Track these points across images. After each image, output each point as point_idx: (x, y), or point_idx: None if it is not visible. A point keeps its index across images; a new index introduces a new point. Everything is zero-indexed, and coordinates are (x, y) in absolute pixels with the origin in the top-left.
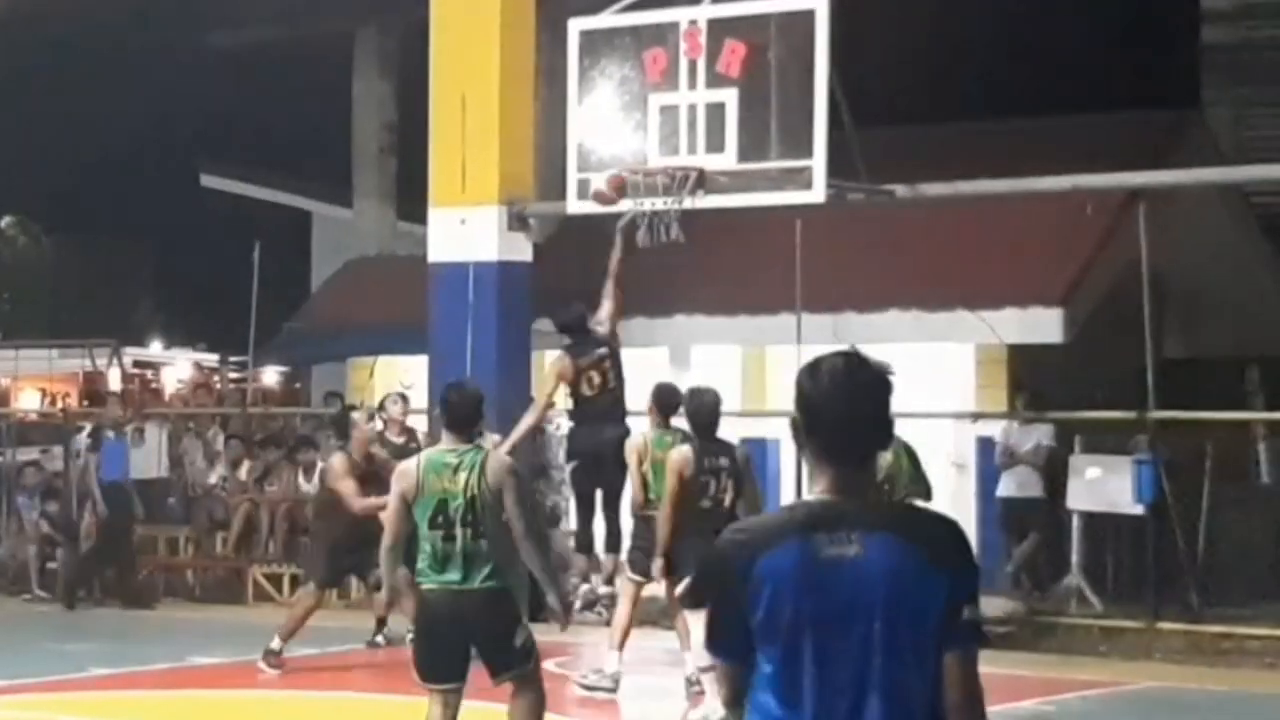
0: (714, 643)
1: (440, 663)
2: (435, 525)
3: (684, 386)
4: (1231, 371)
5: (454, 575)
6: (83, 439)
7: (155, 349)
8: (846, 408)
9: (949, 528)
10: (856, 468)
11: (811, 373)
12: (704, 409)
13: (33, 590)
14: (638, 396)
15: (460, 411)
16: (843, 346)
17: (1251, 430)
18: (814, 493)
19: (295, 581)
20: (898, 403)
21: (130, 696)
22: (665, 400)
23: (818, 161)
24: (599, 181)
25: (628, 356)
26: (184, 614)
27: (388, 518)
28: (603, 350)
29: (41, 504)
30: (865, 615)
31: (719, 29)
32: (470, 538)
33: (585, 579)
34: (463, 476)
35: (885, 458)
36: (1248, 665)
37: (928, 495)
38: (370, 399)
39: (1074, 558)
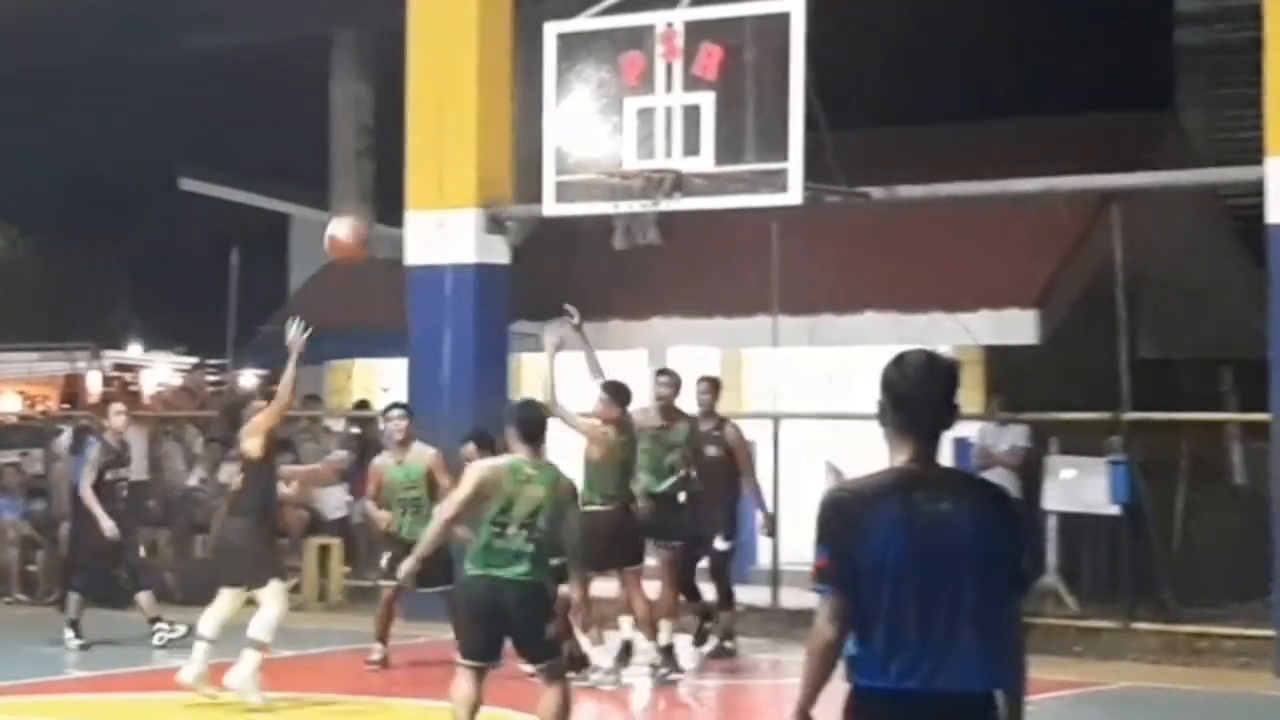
0: (828, 579)
1: (478, 641)
2: (495, 521)
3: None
4: (1206, 372)
5: (498, 566)
6: (64, 441)
7: (134, 352)
8: (927, 393)
9: (1008, 493)
10: (931, 441)
11: (898, 365)
12: None
13: (12, 593)
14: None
15: (534, 427)
16: (816, 349)
17: (1226, 431)
18: (898, 462)
19: None
20: (875, 405)
21: (109, 699)
22: None
23: (794, 164)
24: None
25: (607, 359)
26: (163, 616)
27: (458, 500)
28: None
29: (26, 505)
30: (957, 558)
31: (695, 32)
32: (524, 540)
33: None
34: (535, 488)
35: None
36: (1223, 665)
37: None
38: (347, 401)
39: (1050, 558)
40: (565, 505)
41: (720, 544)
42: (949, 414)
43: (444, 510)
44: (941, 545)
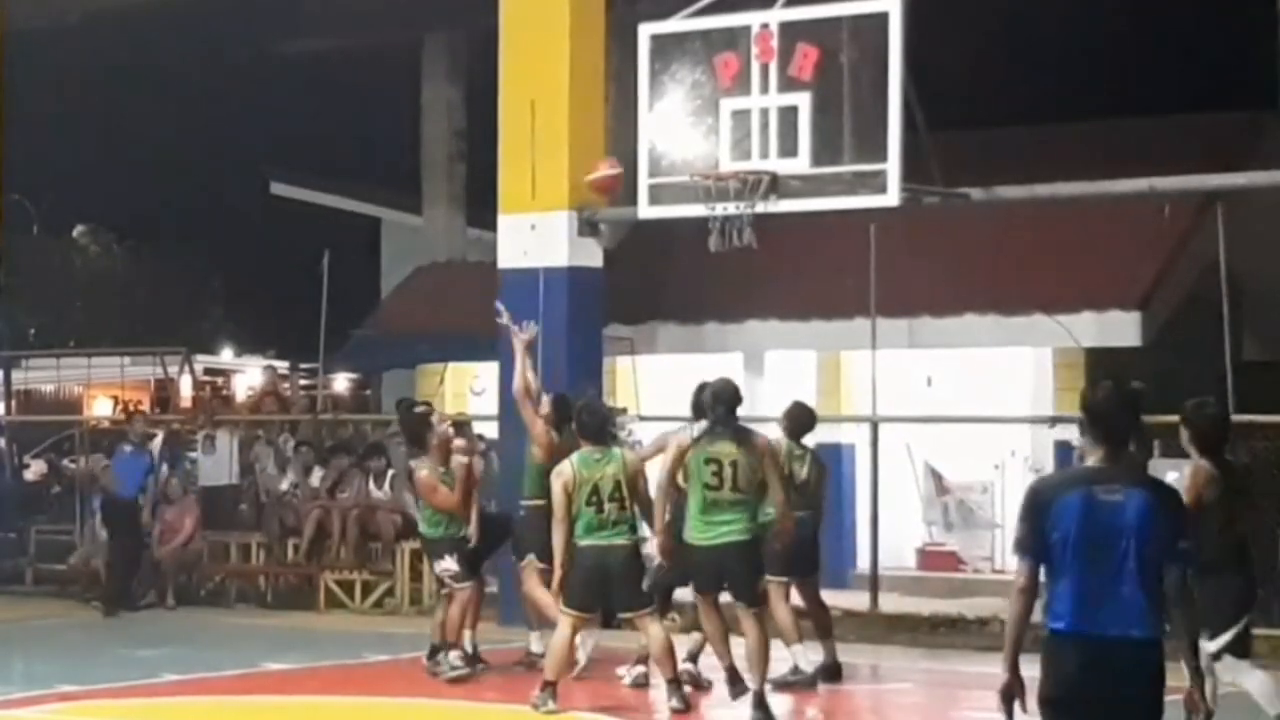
0: (1022, 550)
1: (587, 595)
2: (590, 503)
3: (758, 392)
4: None
5: (605, 534)
6: (155, 446)
7: (226, 356)
8: (1112, 411)
9: (1173, 490)
10: (1119, 447)
11: (1093, 390)
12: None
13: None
14: None
15: (593, 426)
16: (915, 351)
17: None
18: (1091, 462)
19: (366, 587)
20: (974, 408)
21: (202, 702)
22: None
23: (892, 165)
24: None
25: (703, 362)
26: (256, 620)
27: (557, 505)
28: None
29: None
30: (1122, 535)
31: (791, 32)
32: (617, 509)
33: None
34: (609, 468)
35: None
36: None
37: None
38: (441, 406)
39: None
40: (637, 473)
41: None
42: (1131, 427)
43: (560, 515)
44: (1110, 525)
